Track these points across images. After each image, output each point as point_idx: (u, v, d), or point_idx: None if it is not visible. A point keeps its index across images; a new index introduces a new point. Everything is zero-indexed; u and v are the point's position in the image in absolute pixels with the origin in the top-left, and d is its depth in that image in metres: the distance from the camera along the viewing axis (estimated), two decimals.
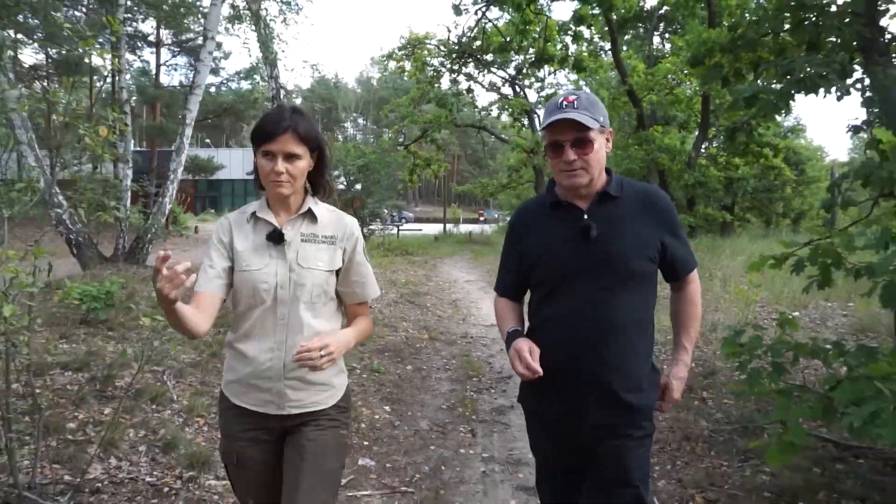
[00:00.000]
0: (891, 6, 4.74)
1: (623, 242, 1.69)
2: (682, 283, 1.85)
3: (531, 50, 14.06)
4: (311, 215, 1.76)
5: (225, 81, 25.60)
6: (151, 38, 22.42)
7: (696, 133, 15.85)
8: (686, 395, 4.51)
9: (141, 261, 8.55)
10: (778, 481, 3.22)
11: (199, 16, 23.56)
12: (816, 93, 3.88)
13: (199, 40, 25.11)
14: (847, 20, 4.29)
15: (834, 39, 4.51)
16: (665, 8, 17.18)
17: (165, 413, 3.71)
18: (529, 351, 1.63)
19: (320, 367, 1.58)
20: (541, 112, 20.90)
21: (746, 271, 5.02)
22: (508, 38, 11.63)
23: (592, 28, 7.26)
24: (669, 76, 15.45)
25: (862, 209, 4.05)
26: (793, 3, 4.25)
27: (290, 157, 1.64)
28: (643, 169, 15.80)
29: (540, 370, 1.61)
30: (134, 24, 21.90)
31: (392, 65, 21.68)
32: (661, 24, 22.70)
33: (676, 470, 3.49)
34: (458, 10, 8.66)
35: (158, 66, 23.27)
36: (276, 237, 1.70)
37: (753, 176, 20.10)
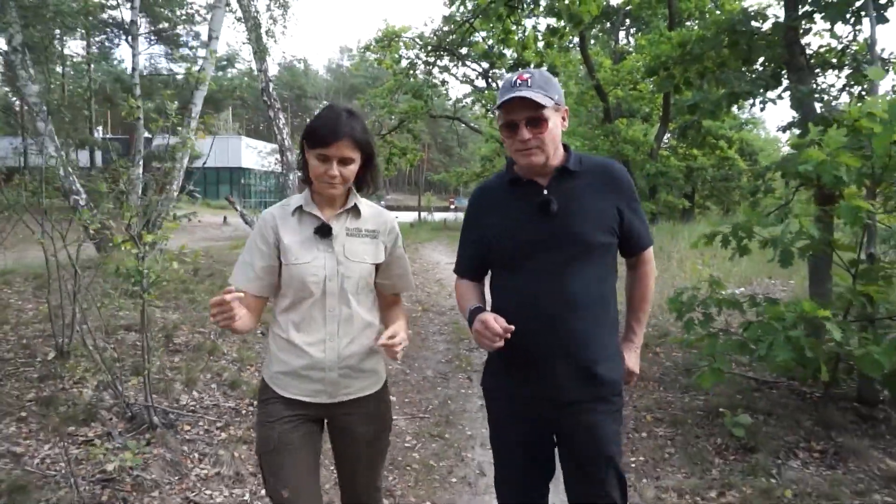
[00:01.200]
0: (811, 26, 5.77)
1: (583, 216, 1.68)
2: (637, 261, 1.86)
3: (510, 53, 14.89)
4: (355, 210, 1.81)
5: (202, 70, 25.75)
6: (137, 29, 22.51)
7: (658, 126, 16.93)
8: (643, 350, 5.51)
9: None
10: (709, 404, 4.21)
11: (177, 6, 23.79)
12: (741, 104, 4.84)
13: (178, 28, 25.22)
14: (771, 42, 5.26)
15: (763, 57, 5.48)
16: (629, 7, 18.19)
17: (221, 362, 4.51)
18: (494, 319, 1.60)
19: (397, 356, 1.69)
20: None
21: (691, 248, 5.97)
22: (491, 45, 12.40)
23: (565, 33, 8.10)
24: (633, 73, 16.49)
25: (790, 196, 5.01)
26: (728, 28, 5.21)
27: (345, 161, 1.70)
28: (611, 158, 16.81)
29: (510, 329, 1.58)
30: (108, 10, 22.03)
31: (370, 56, 22.25)
32: (627, 21, 23.77)
33: (633, 400, 4.44)
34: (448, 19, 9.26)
35: (135, 55, 23.37)
36: (324, 231, 1.74)
37: (712, 166, 21.38)
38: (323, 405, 1.77)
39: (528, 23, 10.53)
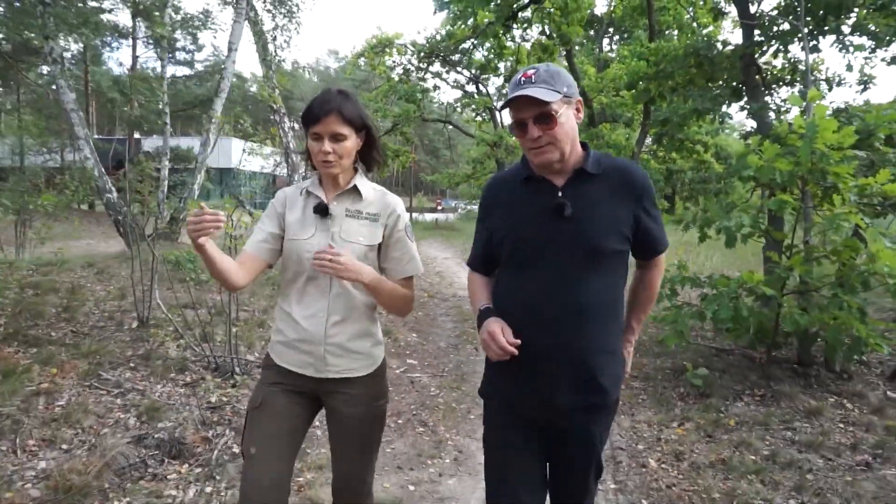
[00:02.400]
0: (765, 49, 6.73)
1: (598, 222, 1.61)
2: (650, 263, 1.81)
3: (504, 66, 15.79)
4: (356, 192, 1.85)
5: (199, 73, 26.43)
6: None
7: (639, 130, 17.94)
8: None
9: (174, 239, 9.94)
10: (675, 364, 5.12)
11: (173, 10, 24.40)
12: (704, 118, 5.79)
13: (176, 34, 25.79)
14: (730, 65, 6.22)
15: (724, 77, 6.45)
16: (613, 16, 19.19)
17: (269, 332, 5.35)
18: (502, 331, 1.59)
19: (327, 271, 1.65)
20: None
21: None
22: (487, 59, 13.24)
23: (554, 50, 8.98)
24: (616, 80, 17.48)
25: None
26: (692, 52, 6.16)
27: (336, 138, 1.74)
28: None
29: (515, 347, 1.57)
30: (106, 14, 22.63)
31: (362, 62, 23.05)
32: (610, 29, 24.83)
33: None
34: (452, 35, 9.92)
35: (134, 58, 24.02)
36: (321, 210, 1.80)
37: (690, 168, 22.49)
38: (311, 378, 1.81)
39: (518, 32, 11.45)
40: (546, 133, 1.56)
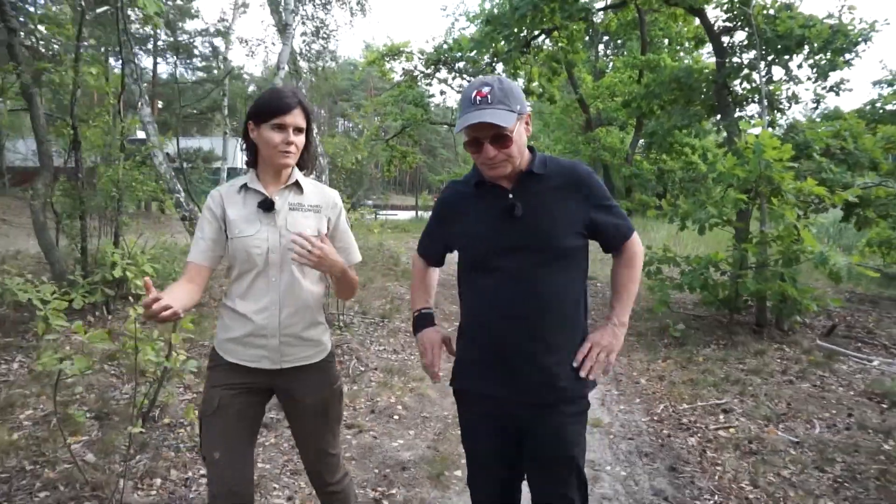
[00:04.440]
0: (735, 76, 8.25)
1: (548, 220, 1.66)
2: (619, 251, 1.81)
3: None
4: (297, 186, 1.89)
5: (214, 78, 27.77)
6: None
7: (633, 134, 19.50)
8: None
9: None
10: (661, 325, 6.63)
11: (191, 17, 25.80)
12: (682, 133, 7.29)
13: (195, 41, 27.15)
14: (706, 89, 7.75)
15: (700, 98, 7.98)
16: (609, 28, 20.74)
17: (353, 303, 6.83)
18: (432, 351, 1.80)
19: (304, 260, 1.71)
20: None
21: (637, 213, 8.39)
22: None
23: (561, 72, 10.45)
24: (611, 87, 19.04)
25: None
26: (675, 79, 7.68)
27: (298, 131, 1.81)
28: (590, 163, 19.38)
29: (439, 377, 1.76)
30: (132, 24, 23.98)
31: (372, 69, 24.48)
32: (605, 37, 26.34)
33: None
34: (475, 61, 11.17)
35: (155, 64, 25.37)
36: (267, 205, 1.82)
37: (680, 168, 24.04)
38: (266, 372, 1.85)
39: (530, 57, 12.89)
40: (501, 152, 1.61)
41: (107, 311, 5.24)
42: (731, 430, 3.92)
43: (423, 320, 1.89)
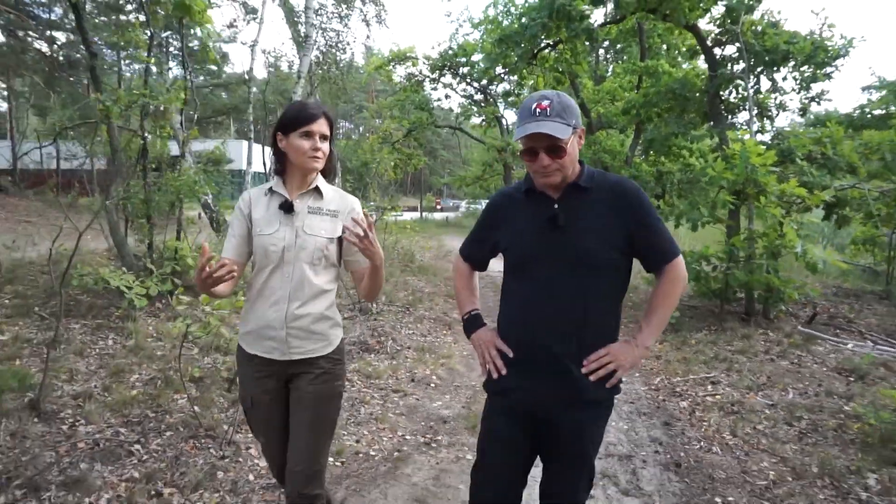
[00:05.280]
0: (727, 87, 8.93)
1: (589, 232, 1.71)
2: (660, 273, 1.82)
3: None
4: (318, 192, 2.03)
5: (225, 85, 28.51)
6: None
7: (632, 137, 20.18)
8: None
9: None
10: None
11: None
12: (677, 140, 7.99)
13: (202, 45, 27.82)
14: (699, 98, 8.43)
15: (694, 107, 8.66)
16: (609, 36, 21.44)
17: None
18: (496, 347, 1.84)
19: (360, 243, 1.82)
20: (508, 117, 24.96)
21: None
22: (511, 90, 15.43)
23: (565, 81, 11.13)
24: (612, 92, 19.72)
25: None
26: (671, 90, 8.37)
27: (324, 138, 1.96)
28: (591, 164, 20.04)
29: (502, 371, 1.82)
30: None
31: (377, 75, 25.20)
32: (606, 42, 27.03)
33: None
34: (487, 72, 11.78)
35: (167, 70, 26.01)
36: (286, 207, 1.97)
37: (678, 170, 24.72)
38: (278, 362, 1.97)
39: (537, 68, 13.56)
40: (555, 161, 1.68)
41: (172, 298, 5.93)
42: (718, 396, 4.61)
43: (473, 322, 1.98)
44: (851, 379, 4.93)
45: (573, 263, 1.71)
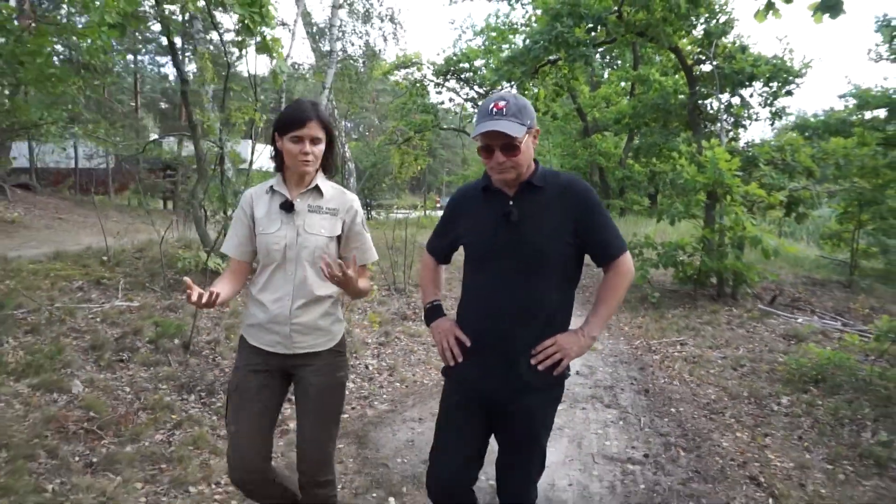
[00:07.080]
0: (704, 100, 10.22)
1: (539, 228, 1.80)
2: (607, 268, 1.90)
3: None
4: (318, 190, 2.06)
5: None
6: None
7: (625, 141, 21.50)
8: None
9: None
10: (642, 295, 8.59)
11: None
12: (661, 147, 9.28)
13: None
14: (681, 110, 9.73)
15: (676, 118, 9.96)
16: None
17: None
18: (455, 336, 1.91)
19: (331, 280, 1.85)
20: None
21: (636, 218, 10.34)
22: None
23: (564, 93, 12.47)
24: (606, 98, 21.04)
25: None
26: (654, 104, 9.65)
27: (315, 141, 1.97)
28: (587, 166, 21.38)
29: (459, 359, 1.90)
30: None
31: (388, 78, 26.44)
32: (601, 49, 28.33)
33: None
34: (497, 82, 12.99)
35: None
36: (287, 206, 2.01)
37: (670, 170, 26.02)
38: (281, 356, 2.05)
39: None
40: (510, 159, 1.77)
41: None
42: (683, 352, 5.91)
43: (434, 311, 2.08)
44: (792, 342, 6.22)
45: (526, 258, 1.80)
